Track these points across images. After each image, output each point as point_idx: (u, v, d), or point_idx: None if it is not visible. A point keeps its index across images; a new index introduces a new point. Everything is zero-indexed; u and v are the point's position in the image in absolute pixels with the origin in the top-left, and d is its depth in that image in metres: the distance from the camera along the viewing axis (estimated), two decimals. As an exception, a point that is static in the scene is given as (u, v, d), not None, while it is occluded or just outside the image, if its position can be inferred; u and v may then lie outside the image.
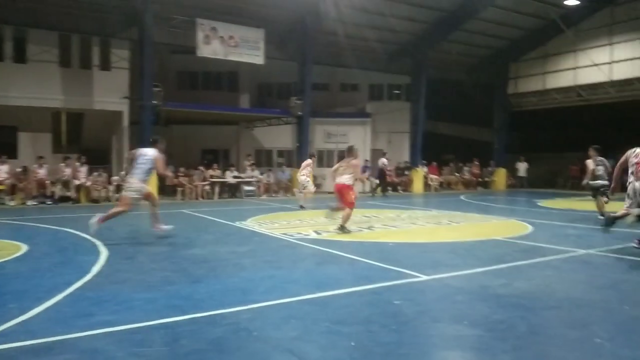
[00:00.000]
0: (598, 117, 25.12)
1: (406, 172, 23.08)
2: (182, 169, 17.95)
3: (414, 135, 23.12)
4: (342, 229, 9.00)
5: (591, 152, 11.53)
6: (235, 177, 18.71)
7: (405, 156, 24.25)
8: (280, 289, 4.98)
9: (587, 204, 14.29)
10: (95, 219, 7.87)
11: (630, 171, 7.22)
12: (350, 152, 9.52)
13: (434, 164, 23.95)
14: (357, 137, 24.72)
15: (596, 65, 21.97)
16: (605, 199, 10.91)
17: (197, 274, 5.69)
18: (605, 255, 6.89)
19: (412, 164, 23.03)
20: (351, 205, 9.11)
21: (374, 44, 21.48)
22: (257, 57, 18.65)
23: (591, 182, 11.31)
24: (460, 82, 26.48)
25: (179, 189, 17.40)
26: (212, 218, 11.56)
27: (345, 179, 9.15)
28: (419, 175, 22.83)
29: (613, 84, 21.78)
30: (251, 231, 9.33)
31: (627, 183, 7.29)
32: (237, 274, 5.74)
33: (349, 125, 24.34)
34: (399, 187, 22.27)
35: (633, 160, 7.16)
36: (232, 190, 18.63)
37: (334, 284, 5.14)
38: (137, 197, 8.06)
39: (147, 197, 8.24)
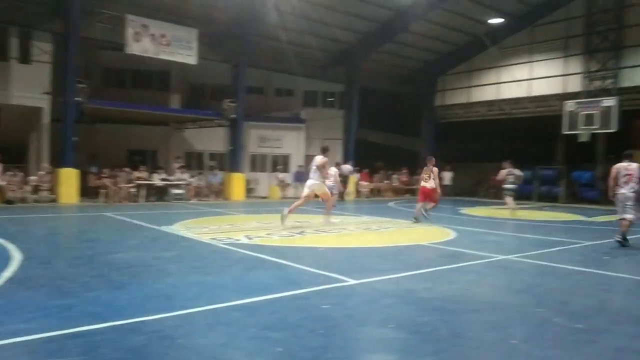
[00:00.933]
0: (518, 130, 26.76)
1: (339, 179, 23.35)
2: (105, 170, 17.16)
3: (347, 142, 23.52)
4: (417, 219, 12.11)
5: (505, 164, 14.50)
6: (163, 179, 18.13)
7: (337, 163, 24.55)
8: (207, 295, 4.86)
9: (505, 212, 15.16)
10: (285, 210, 10.40)
11: (623, 181, 8.71)
12: (430, 161, 12.52)
13: (366, 171, 24.46)
14: (292, 142, 24.79)
15: (517, 81, 23.40)
16: (510, 199, 14.44)
17: (119, 280, 5.44)
18: (521, 261, 7.30)
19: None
20: (436, 202, 12.53)
21: (310, 51, 21.69)
22: (189, 57, 18.23)
23: (504, 186, 14.56)
24: (392, 93, 27.27)
25: (102, 190, 16.61)
26: (137, 222, 11.12)
27: (430, 184, 12.21)
28: (351, 182, 23.20)
29: (531, 99, 23.29)
30: (178, 236, 9.06)
31: (617, 193, 8.77)
32: (162, 279, 5.55)
33: (283, 130, 24.34)
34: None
35: (623, 172, 8.72)
36: (159, 193, 18.03)
37: (263, 290, 5.09)
38: (310, 193, 10.92)
39: (322, 195, 11.26)
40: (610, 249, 8.54)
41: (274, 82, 26.16)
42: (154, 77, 23.63)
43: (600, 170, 22.19)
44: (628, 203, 8.66)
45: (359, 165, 24.26)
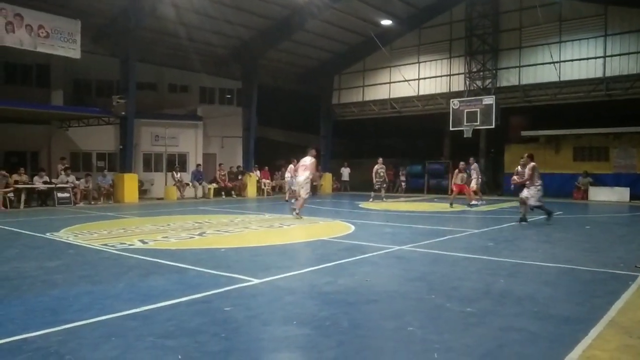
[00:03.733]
0: (409, 127, 28.22)
1: (239, 177, 23.09)
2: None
3: (247, 140, 23.25)
4: (472, 205, 16.23)
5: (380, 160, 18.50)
6: (45, 182, 16.68)
7: (238, 161, 24.23)
8: (98, 306, 4.53)
9: (399, 205, 15.92)
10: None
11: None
12: (465, 165, 16.90)
13: (266, 168, 24.40)
14: (188, 140, 24.03)
15: (407, 81, 24.61)
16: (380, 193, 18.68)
17: (-6, 296, 4.89)
18: (415, 250, 7.69)
19: (245, 169, 23.14)
20: (471, 190, 16.92)
21: (204, 46, 21.13)
22: (72, 51, 16.85)
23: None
24: (291, 91, 27.46)
25: (-26, 197, 14.92)
26: (17, 229, 10.13)
27: (459, 180, 16.54)
28: (252, 180, 23.01)
29: (420, 98, 24.62)
30: (65, 243, 8.38)
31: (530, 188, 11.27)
32: (46, 292, 5.08)
33: (179, 128, 23.50)
34: (232, 192, 22.15)
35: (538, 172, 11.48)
36: (42, 198, 16.57)
37: (161, 296, 4.85)
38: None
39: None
40: (495, 236, 9.28)
41: (167, 78, 25.17)
42: (31, 71, 21.70)
43: (482, 164, 24.11)
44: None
45: (260, 163, 24.18)
